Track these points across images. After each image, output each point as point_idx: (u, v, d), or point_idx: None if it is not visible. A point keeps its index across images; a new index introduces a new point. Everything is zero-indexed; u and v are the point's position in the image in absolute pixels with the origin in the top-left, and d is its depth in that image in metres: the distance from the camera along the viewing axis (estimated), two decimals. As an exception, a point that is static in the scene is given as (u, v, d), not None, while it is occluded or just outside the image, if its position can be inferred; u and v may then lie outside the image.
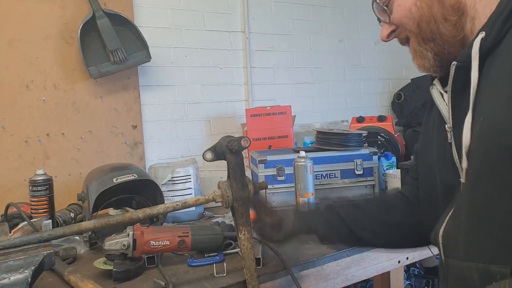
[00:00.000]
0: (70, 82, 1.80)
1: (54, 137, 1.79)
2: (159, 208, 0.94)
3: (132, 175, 1.44)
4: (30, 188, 1.62)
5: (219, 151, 1.01)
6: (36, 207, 1.62)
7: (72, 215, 1.70)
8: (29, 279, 0.81)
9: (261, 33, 2.23)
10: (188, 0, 2.03)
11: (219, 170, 1.99)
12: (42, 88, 1.75)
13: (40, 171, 1.64)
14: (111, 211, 1.84)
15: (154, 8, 1.93)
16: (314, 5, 2.43)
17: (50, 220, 1.58)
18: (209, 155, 1.02)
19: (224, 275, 1.16)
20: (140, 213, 0.93)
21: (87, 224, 0.88)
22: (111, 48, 1.71)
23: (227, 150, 0.98)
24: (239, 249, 1.25)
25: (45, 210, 1.63)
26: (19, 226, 1.45)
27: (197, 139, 2.11)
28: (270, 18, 2.28)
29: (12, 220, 1.57)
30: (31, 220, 1.44)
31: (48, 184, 1.65)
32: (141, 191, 1.57)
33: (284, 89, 2.33)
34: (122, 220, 0.91)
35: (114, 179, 1.43)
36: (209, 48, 2.10)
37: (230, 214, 1.71)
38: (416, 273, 2.12)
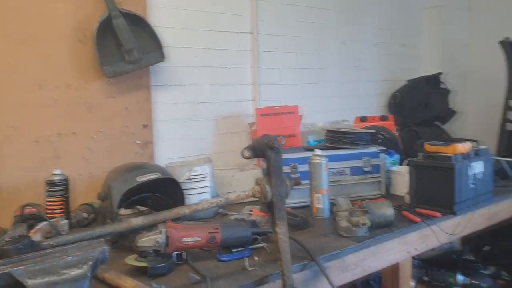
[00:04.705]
0: (83, 81, 1.79)
1: (65, 136, 1.78)
2: (204, 204, 0.98)
3: (156, 174, 1.46)
4: (47, 188, 1.62)
5: (257, 149, 1.05)
6: (52, 207, 1.62)
7: (85, 215, 1.69)
8: (89, 274, 0.83)
9: (269, 35, 2.27)
10: (201, 1, 2.06)
11: (228, 168, 2.02)
12: (55, 87, 1.74)
13: (57, 171, 1.63)
14: (122, 211, 1.84)
15: (167, 8, 1.95)
16: (319, 7, 2.50)
17: (67, 220, 1.58)
18: (247, 153, 1.06)
19: (256, 268, 1.20)
20: (186, 209, 0.96)
21: (136, 220, 0.91)
22: (127, 47, 1.72)
23: (267, 148, 1.02)
24: (265, 244, 1.30)
25: (62, 210, 1.63)
26: (38, 226, 1.44)
27: (206, 138, 2.14)
28: (277, 20, 2.33)
29: (27, 220, 1.55)
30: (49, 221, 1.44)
31: (64, 184, 1.64)
32: (158, 190, 1.57)
33: (289, 89, 2.38)
34: (169, 216, 0.94)
35: (138, 178, 1.45)
36: (219, 49, 2.12)
37: (243, 211, 1.75)
38: (416, 264, 2.22)
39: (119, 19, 1.71)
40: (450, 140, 1.84)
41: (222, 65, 2.15)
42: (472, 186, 1.72)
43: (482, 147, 1.88)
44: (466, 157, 1.70)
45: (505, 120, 2.72)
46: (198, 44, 2.06)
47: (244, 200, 1.57)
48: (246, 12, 2.21)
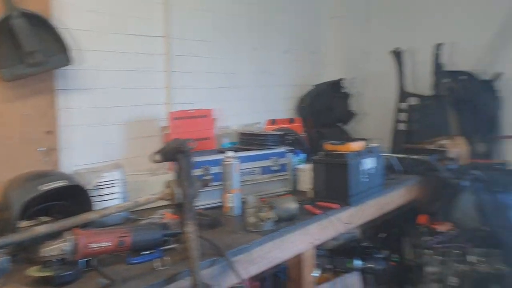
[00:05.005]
0: (-25, 85, 1.65)
1: (-47, 145, 1.63)
2: (112, 208, 1.00)
3: (60, 182, 1.41)
4: None
5: (168, 153, 1.09)
6: None
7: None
8: (-15, 287, 0.81)
9: (182, 39, 2.30)
10: (110, 3, 2.01)
11: (140, 174, 2.00)
12: None
13: None
14: (23, 223, 1.73)
15: (74, 9, 1.87)
16: (231, 14, 2.59)
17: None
18: (158, 157, 1.10)
19: (167, 267, 1.24)
20: (94, 213, 0.97)
21: (40, 229, 0.90)
22: (28, 49, 1.63)
23: (177, 151, 1.07)
24: (176, 245, 1.34)
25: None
26: None
27: (117, 144, 2.09)
28: (191, 25, 2.36)
29: None
30: None
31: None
32: (64, 199, 1.50)
33: (203, 93, 2.43)
34: (76, 222, 0.94)
35: (40, 187, 1.38)
36: (131, 52, 2.09)
37: (155, 215, 1.76)
38: (321, 253, 2.41)
39: (18, 20, 1.61)
40: (347, 140, 2.06)
41: (133, 68, 2.12)
42: (365, 180, 1.95)
43: (374, 145, 2.13)
44: (359, 154, 1.92)
45: (396, 120, 3.10)
46: (108, 47, 2.02)
47: (157, 205, 1.60)
48: (158, 16, 2.21)
